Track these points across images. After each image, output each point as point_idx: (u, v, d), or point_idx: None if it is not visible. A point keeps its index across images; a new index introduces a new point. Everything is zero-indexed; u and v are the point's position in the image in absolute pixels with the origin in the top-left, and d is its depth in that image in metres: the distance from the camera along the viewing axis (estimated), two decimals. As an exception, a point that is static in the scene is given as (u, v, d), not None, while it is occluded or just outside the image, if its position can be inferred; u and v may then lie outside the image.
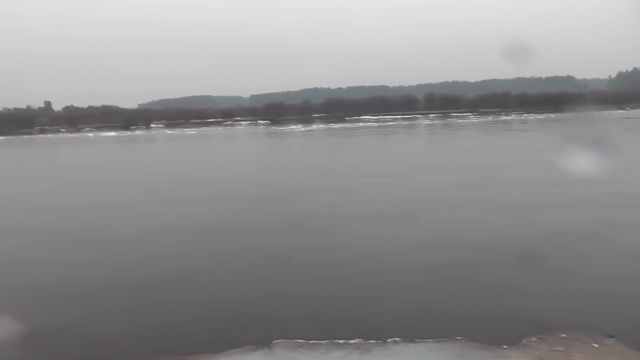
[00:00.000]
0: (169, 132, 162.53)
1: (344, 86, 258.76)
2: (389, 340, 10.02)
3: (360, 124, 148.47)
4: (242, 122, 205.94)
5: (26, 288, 14.69)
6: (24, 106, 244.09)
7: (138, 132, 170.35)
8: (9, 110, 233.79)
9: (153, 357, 10.04)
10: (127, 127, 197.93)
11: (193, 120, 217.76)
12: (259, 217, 22.79)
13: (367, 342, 10.00)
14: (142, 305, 12.93)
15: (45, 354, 10.53)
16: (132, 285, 14.42)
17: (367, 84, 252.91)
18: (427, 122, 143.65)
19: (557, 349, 9.59)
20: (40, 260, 17.59)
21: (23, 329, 11.72)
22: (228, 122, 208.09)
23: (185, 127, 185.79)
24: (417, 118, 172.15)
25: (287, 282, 14.01)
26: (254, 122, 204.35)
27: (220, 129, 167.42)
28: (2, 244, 20.43)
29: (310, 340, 10.16)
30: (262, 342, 10.18)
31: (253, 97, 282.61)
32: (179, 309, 12.55)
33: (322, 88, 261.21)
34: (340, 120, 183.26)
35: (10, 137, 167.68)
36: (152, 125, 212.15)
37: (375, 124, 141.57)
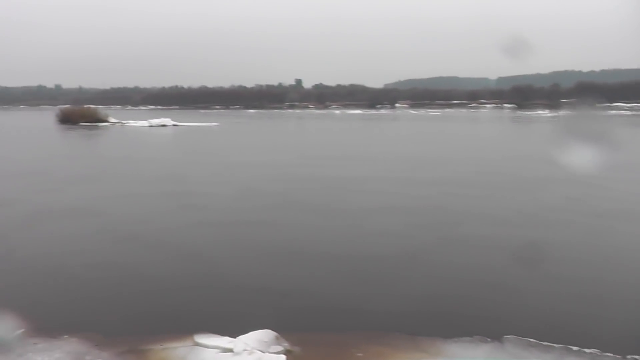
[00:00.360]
0: (412, 112, 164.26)
1: (596, 69, 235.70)
2: (628, 356, 8.82)
3: (613, 112, 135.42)
4: (487, 105, 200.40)
5: (257, 249, 15.52)
6: (275, 83, 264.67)
7: (383, 111, 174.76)
8: (261, 86, 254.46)
9: (370, 330, 10.02)
10: (372, 106, 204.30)
11: (438, 102, 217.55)
12: (491, 204, 21.88)
13: (603, 354, 8.92)
14: (369, 278, 13.06)
15: (275, 310, 10.87)
16: (358, 258, 14.58)
17: (623, 67, 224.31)
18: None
19: None
20: (275, 224, 18.73)
21: (254, 286, 12.47)
22: (472, 105, 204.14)
23: (429, 108, 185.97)
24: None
25: (517, 276, 13.05)
26: (500, 105, 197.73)
27: (464, 111, 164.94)
28: (244, 206, 21.94)
29: (543, 341, 9.34)
30: (493, 335, 9.59)
31: (500, 79, 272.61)
32: (402, 287, 12.40)
33: (573, 71, 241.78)
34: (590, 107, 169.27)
35: (262, 111, 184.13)
36: (396, 104, 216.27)
37: (629, 113, 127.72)
